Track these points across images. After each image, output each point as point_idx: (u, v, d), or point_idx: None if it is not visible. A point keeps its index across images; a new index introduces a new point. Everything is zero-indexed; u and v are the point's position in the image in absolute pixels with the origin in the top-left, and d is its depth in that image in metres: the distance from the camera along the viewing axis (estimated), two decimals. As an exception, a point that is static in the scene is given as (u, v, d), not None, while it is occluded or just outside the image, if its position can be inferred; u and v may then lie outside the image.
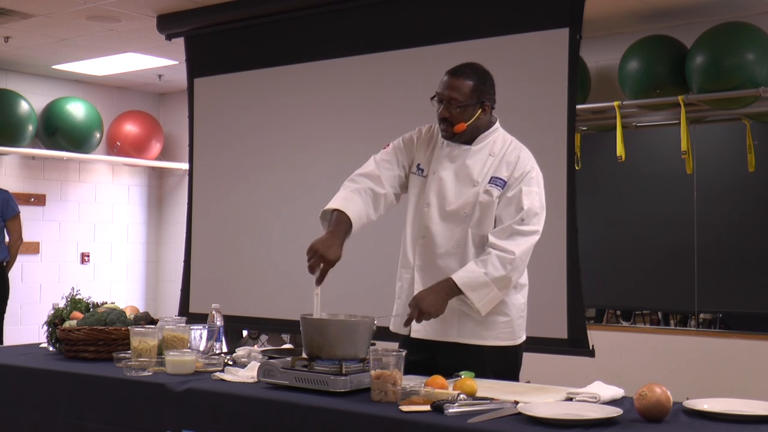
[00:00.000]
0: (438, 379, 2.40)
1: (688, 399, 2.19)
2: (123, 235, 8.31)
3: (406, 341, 2.92)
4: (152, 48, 6.58)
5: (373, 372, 2.32)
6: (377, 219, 2.94)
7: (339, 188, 2.93)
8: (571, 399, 2.31)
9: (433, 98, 2.91)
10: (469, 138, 2.90)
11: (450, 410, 2.12)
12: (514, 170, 2.84)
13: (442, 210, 2.88)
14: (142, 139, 7.96)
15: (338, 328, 2.54)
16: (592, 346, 4.29)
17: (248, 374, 2.67)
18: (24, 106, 7.16)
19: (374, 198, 2.91)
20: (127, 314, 3.21)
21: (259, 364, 2.60)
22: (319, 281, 2.70)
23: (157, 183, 8.60)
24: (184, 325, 2.99)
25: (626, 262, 5.86)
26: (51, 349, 3.29)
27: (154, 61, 7.01)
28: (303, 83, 5.46)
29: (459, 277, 2.74)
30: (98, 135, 7.68)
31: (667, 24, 5.45)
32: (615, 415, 2.07)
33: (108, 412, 2.73)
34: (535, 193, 2.82)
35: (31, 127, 7.23)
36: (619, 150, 5.37)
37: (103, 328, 3.06)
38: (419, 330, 2.87)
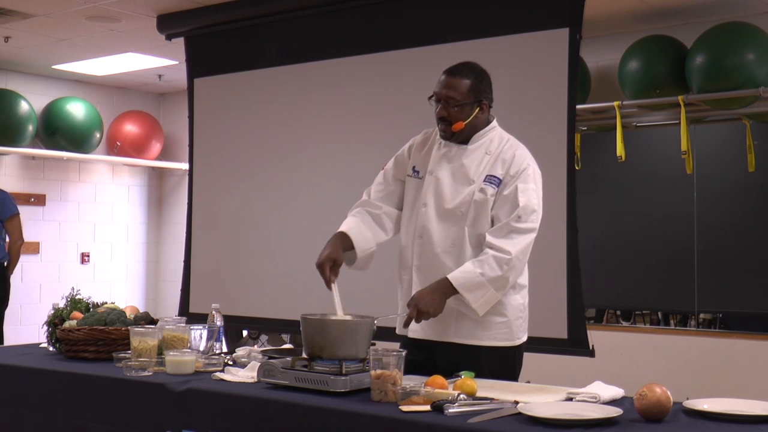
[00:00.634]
0: (438, 379, 2.40)
1: (688, 399, 2.19)
2: (123, 235, 8.31)
3: (404, 341, 2.92)
4: (152, 48, 6.58)
5: (373, 372, 2.33)
6: (393, 235, 3.02)
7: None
8: (571, 399, 2.31)
9: (430, 98, 2.91)
10: (466, 137, 2.90)
11: (450, 410, 2.12)
12: (510, 168, 2.83)
13: (440, 209, 2.88)
14: (142, 139, 7.96)
15: (339, 328, 2.55)
16: (592, 346, 4.29)
17: (248, 374, 2.67)
18: (24, 106, 7.16)
19: (374, 217, 2.98)
20: (127, 314, 3.21)
21: (259, 364, 2.60)
22: (333, 278, 2.77)
23: (157, 183, 8.59)
24: (184, 325, 3.00)
25: (626, 262, 5.86)
26: (51, 349, 3.29)
27: (154, 61, 7.00)
28: (303, 83, 5.45)
29: (455, 277, 2.73)
30: (98, 135, 7.68)
31: (667, 24, 5.44)
32: (615, 415, 2.07)
33: (108, 412, 2.74)
34: (532, 190, 2.81)
35: (31, 127, 7.23)
36: (619, 150, 5.37)
37: (103, 328, 3.06)
38: (417, 330, 2.87)
